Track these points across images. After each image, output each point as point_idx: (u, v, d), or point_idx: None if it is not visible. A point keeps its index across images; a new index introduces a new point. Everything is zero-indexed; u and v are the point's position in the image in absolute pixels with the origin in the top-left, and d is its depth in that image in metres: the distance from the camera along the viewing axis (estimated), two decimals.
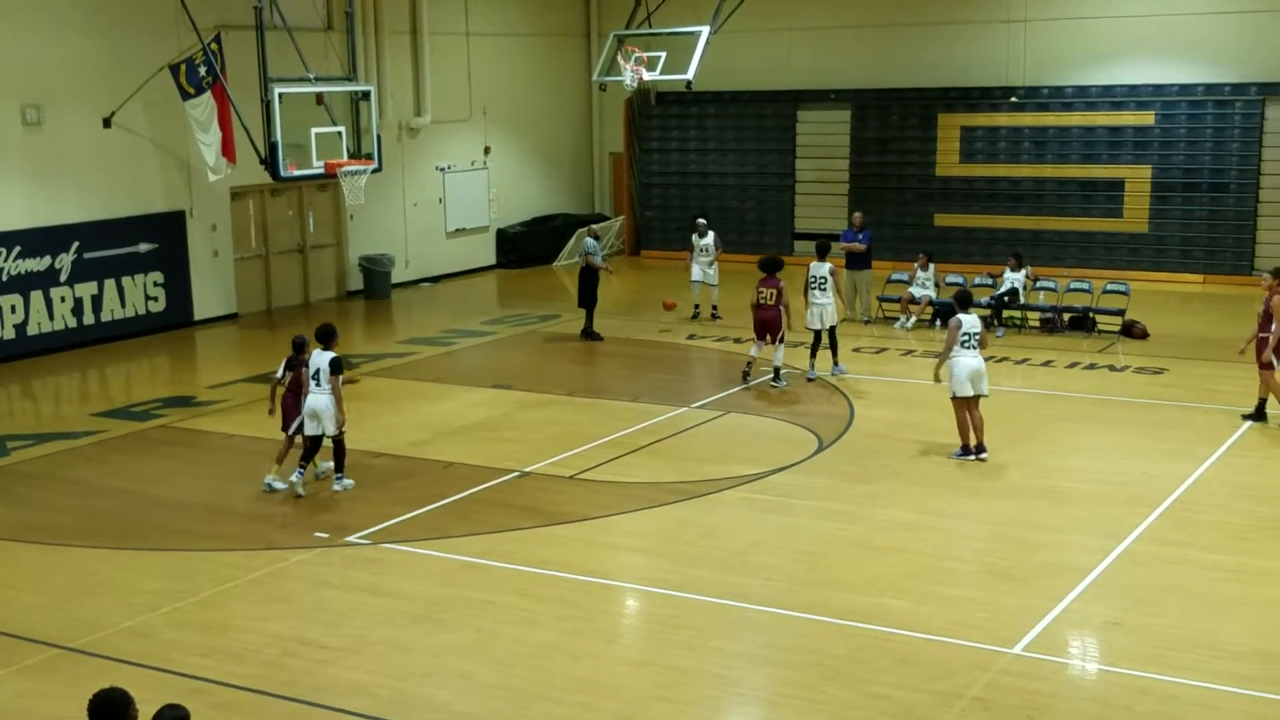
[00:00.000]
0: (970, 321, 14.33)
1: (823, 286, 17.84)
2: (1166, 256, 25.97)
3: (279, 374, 13.88)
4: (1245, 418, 15.58)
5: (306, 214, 25.36)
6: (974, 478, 13.77)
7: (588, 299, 21.10)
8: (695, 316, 22.43)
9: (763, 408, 16.69)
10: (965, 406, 14.32)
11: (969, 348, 14.26)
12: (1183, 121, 25.71)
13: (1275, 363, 15.31)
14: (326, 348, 13.44)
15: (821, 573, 11.29)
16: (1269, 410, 15.52)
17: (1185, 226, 25.85)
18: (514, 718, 8.83)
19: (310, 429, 13.47)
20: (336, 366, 13.37)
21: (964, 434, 14.38)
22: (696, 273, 22.47)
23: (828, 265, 17.98)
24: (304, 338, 13.80)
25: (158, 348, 21.58)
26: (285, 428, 13.86)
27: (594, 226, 22.00)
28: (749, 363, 17.80)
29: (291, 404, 13.76)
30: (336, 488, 13.60)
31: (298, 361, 13.70)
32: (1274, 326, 15.28)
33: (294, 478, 13.46)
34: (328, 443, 13.55)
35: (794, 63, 28.86)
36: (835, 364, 18.17)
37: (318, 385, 13.33)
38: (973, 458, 14.30)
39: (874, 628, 10.07)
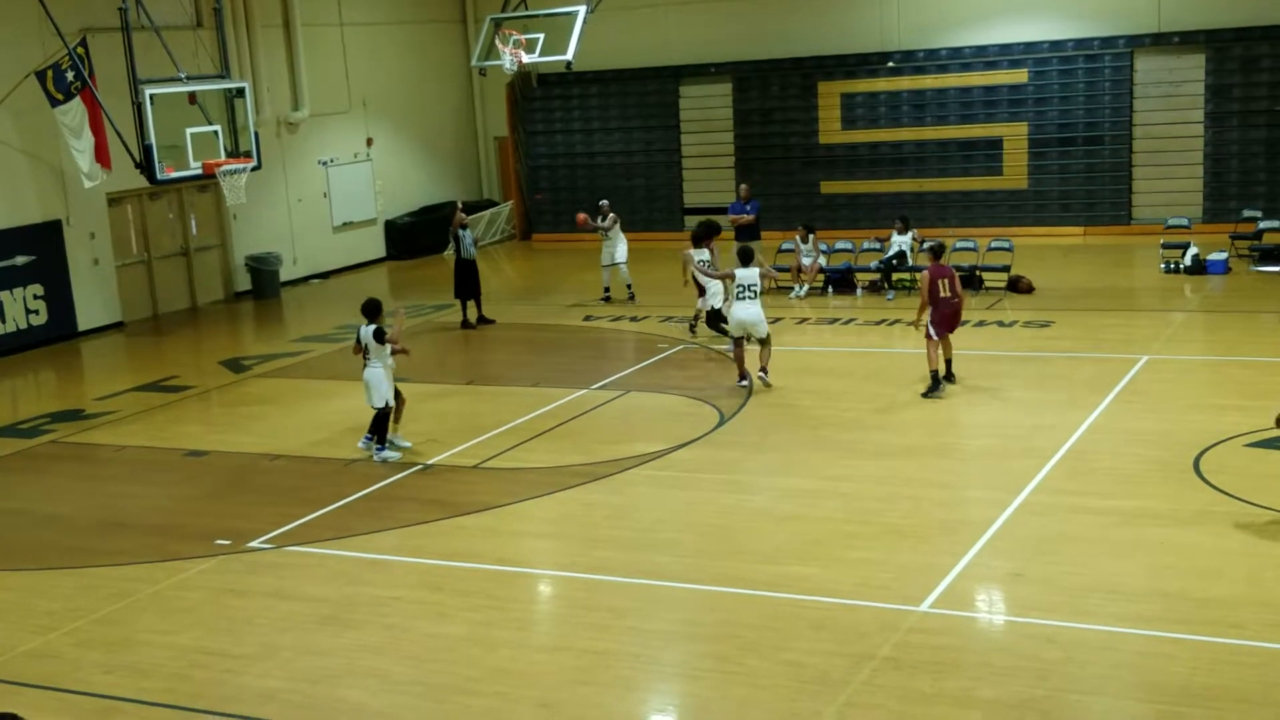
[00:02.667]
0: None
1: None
2: (1047, 211, 26.51)
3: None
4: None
5: (188, 216, 24.87)
6: (871, 440, 13.95)
7: (466, 290, 20.83)
8: (606, 299, 22.33)
9: (663, 385, 16.74)
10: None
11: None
12: (1055, 78, 26.23)
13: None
14: (371, 321, 13.96)
15: (729, 545, 11.37)
16: None
17: (1063, 180, 26.40)
18: (431, 713, 8.77)
19: (368, 399, 14.12)
20: (380, 336, 13.90)
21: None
22: (605, 255, 22.39)
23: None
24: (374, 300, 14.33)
25: (42, 361, 21.05)
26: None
27: (461, 215, 21.28)
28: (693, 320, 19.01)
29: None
30: (376, 459, 14.08)
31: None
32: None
33: (378, 458, 14.13)
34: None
35: (672, 38, 28.90)
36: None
37: (367, 358, 13.98)
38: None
39: (785, 596, 10.17)
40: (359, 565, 11.41)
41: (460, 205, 22.61)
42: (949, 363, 15.69)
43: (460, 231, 20.92)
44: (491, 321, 20.97)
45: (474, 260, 20.88)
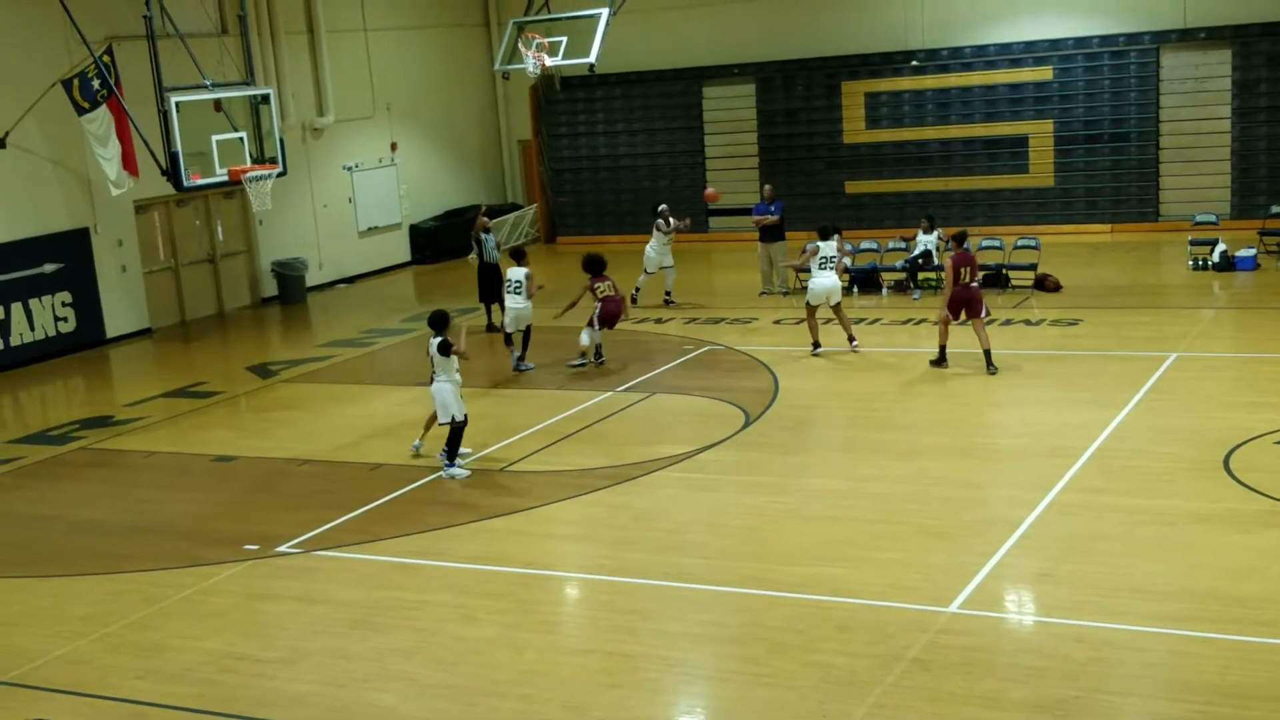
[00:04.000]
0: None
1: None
2: (1074, 209, 26.37)
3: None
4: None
5: (214, 222, 25.00)
6: (899, 440, 13.90)
7: (490, 293, 20.72)
8: (669, 302, 21.95)
9: (688, 386, 16.73)
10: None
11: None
12: (1080, 75, 26.09)
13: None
14: (438, 334, 13.68)
15: (756, 546, 11.35)
16: None
17: (1090, 178, 26.26)
18: (460, 716, 8.79)
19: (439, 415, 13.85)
20: (445, 349, 13.60)
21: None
22: (664, 258, 21.96)
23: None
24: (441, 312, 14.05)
25: (71, 368, 21.19)
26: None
27: (483, 220, 21.38)
28: (597, 350, 18.02)
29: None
30: (445, 475, 13.73)
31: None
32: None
33: (445, 474, 13.77)
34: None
35: (695, 39, 28.88)
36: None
37: (433, 371, 13.70)
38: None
39: (812, 597, 10.14)
40: (387, 569, 11.44)
41: (483, 209, 22.60)
42: (988, 353, 16.24)
43: (483, 235, 20.95)
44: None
45: (497, 264, 20.90)
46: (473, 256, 22.18)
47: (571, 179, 30.81)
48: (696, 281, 23.83)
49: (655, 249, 21.99)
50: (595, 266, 17.93)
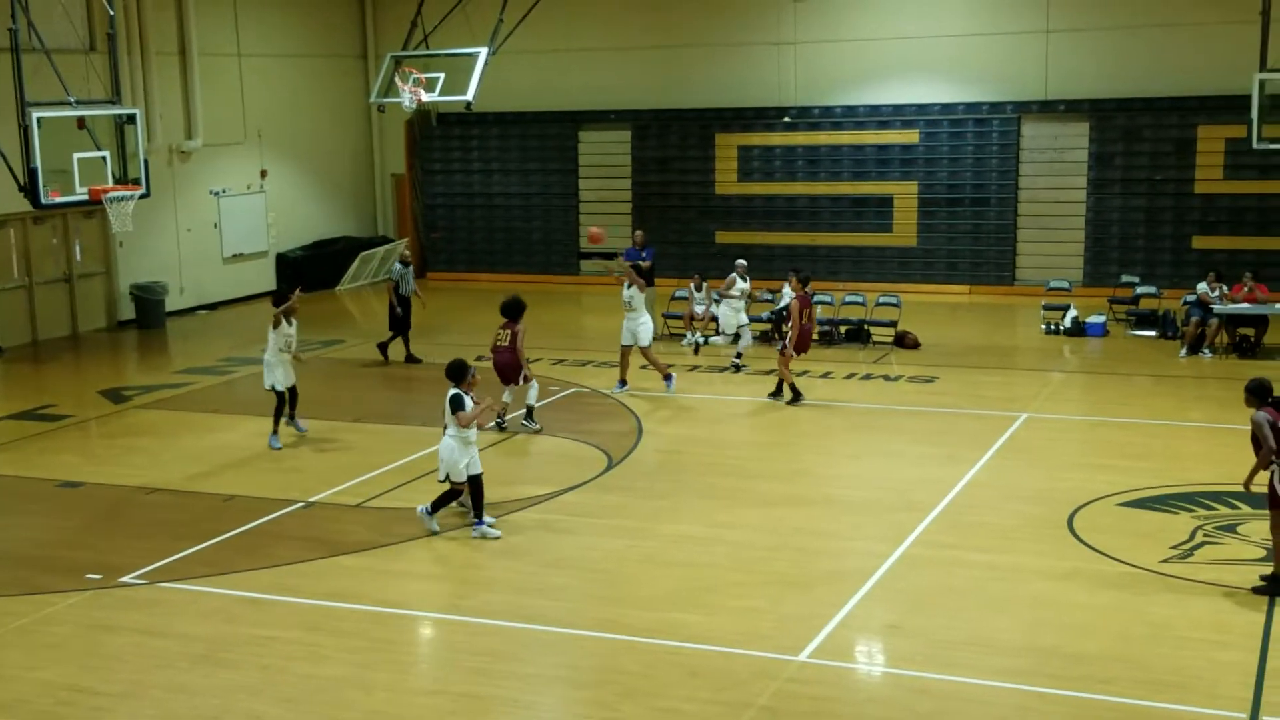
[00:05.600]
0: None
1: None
2: (934, 269, 27.06)
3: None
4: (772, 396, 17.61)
5: (72, 242, 24.33)
6: (759, 489, 14.06)
7: (400, 324, 20.89)
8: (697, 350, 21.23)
9: (552, 428, 16.71)
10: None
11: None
12: (945, 139, 26.85)
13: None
14: (455, 385, 12.63)
15: (613, 590, 11.36)
16: None
17: (951, 240, 26.98)
18: None
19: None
20: (456, 404, 12.49)
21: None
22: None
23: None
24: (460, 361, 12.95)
25: None
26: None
27: (404, 252, 22.12)
28: (500, 412, 16.54)
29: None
30: (475, 535, 12.63)
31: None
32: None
33: (475, 534, 12.70)
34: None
35: (573, 83, 29.07)
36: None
37: (444, 429, 12.67)
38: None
39: (665, 643, 10.18)
40: (236, 603, 11.20)
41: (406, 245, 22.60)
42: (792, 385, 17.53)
43: (402, 268, 21.15)
44: (418, 360, 20.74)
45: (410, 297, 20.92)
46: (341, 288, 21.96)
47: (445, 215, 30.69)
48: (565, 324, 23.87)
49: (733, 307, 20.90)
50: (507, 310, 16.24)
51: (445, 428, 12.66)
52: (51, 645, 10.42)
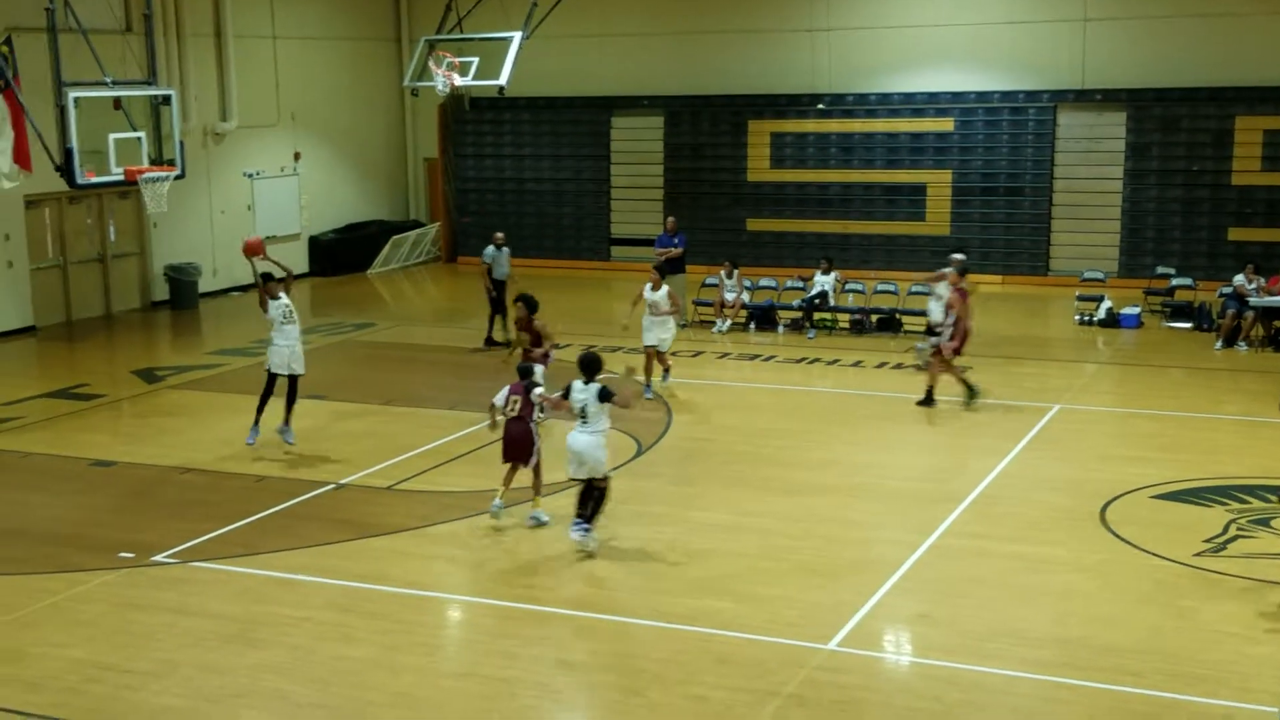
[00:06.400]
0: None
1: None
2: (967, 258, 26.81)
3: (500, 400, 12.54)
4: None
5: (107, 222, 24.48)
6: (788, 477, 14.03)
7: (495, 307, 20.72)
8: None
9: None
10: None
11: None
12: (980, 128, 26.67)
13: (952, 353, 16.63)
14: (590, 379, 11.79)
15: (642, 577, 11.36)
16: None
17: (984, 229, 26.81)
18: None
19: (574, 471, 11.82)
20: (605, 396, 11.71)
21: None
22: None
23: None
24: (529, 365, 13.09)
25: None
26: (507, 458, 12.58)
27: (498, 235, 21.56)
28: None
29: (520, 433, 12.46)
30: (577, 539, 11.71)
31: (522, 388, 12.46)
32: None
33: (576, 536, 11.75)
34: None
35: (607, 69, 29.02)
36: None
37: (584, 423, 11.73)
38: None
39: (694, 629, 10.18)
40: (266, 584, 11.25)
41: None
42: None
43: (496, 251, 20.98)
44: (499, 344, 20.29)
45: (505, 280, 20.73)
46: (372, 271, 21.93)
47: (476, 199, 30.71)
48: (595, 310, 23.85)
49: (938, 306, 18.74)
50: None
51: (583, 424, 11.73)
52: (83, 623, 10.49)
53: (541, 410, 12.77)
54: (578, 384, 11.83)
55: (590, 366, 11.85)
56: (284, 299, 15.11)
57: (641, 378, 17.16)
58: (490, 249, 21.16)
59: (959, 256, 19.18)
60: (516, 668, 9.61)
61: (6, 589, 11.15)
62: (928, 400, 16.78)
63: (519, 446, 12.54)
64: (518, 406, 12.53)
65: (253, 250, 15.11)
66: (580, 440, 11.73)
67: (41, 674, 9.55)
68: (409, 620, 10.54)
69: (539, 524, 12.44)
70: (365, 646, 9.97)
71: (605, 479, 11.84)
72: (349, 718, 8.88)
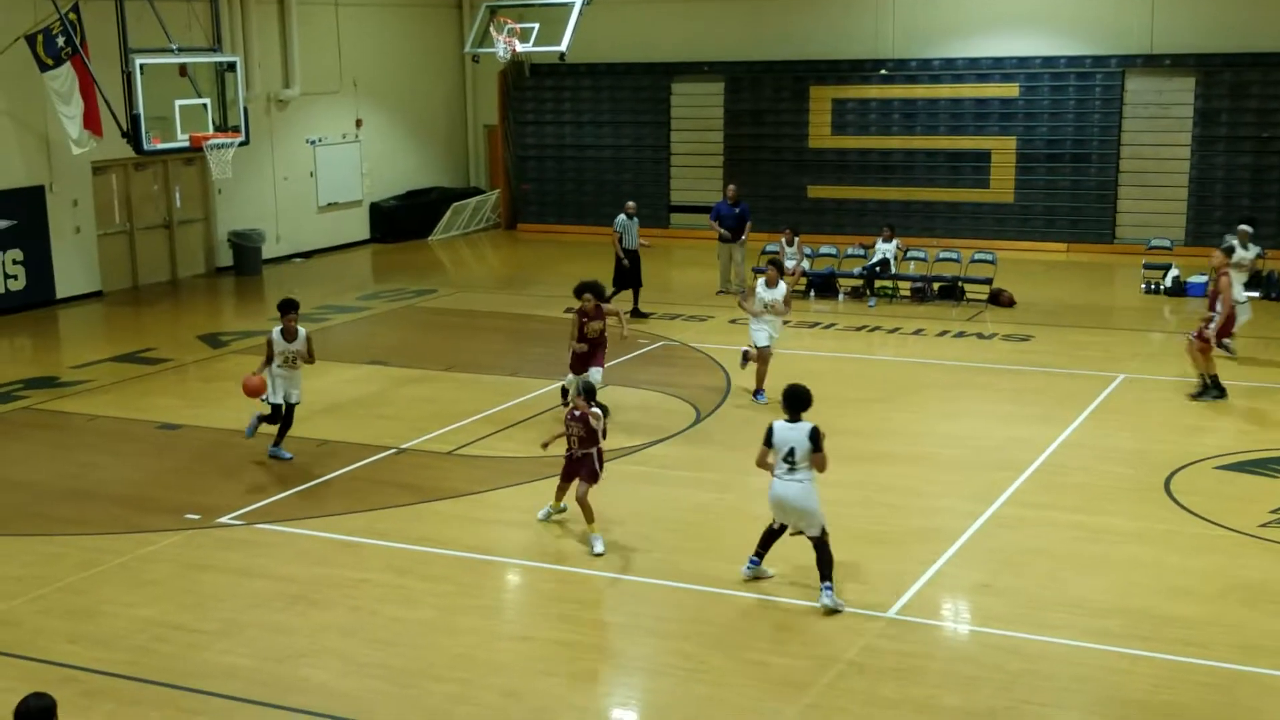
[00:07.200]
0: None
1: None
2: (1032, 226, 26.57)
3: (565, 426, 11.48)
4: (1193, 397, 15.52)
5: (172, 188, 24.73)
6: (849, 446, 13.93)
7: (628, 278, 20.26)
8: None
9: (641, 380, 16.72)
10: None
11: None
12: (1046, 94, 26.30)
13: (1213, 342, 15.50)
14: (796, 417, 10.05)
15: (701, 542, 11.37)
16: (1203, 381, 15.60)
17: (1049, 196, 26.47)
18: (394, 696, 8.76)
19: (781, 518, 10.24)
20: (817, 440, 9.93)
21: None
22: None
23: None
24: (590, 384, 11.49)
25: (18, 327, 20.90)
26: (567, 479, 11.52)
27: (630, 204, 20.76)
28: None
29: (582, 459, 11.24)
30: (828, 601, 9.86)
31: (582, 420, 11.16)
32: (1219, 307, 15.51)
33: (745, 571, 10.49)
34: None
35: (667, 35, 28.88)
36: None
37: (791, 470, 9.94)
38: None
39: (753, 595, 10.18)
40: (329, 546, 11.38)
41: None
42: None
43: (627, 220, 20.51)
44: (645, 316, 20.17)
45: (637, 250, 20.41)
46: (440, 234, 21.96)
47: (536, 167, 30.73)
48: (655, 277, 23.79)
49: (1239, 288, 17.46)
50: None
51: (787, 470, 9.95)
52: (150, 582, 10.67)
53: (603, 436, 11.35)
54: (780, 424, 10.03)
55: (798, 402, 10.13)
56: (297, 346, 13.77)
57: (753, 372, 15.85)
58: (622, 217, 20.60)
59: (1245, 228, 18.89)
60: (576, 631, 9.67)
61: (77, 549, 11.35)
62: (1217, 390, 15.47)
63: (582, 467, 11.31)
64: (577, 441, 11.13)
65: (253, 392, 13.62)
66: (790, 490, 9.95)
67: (111, 632, 9.73)
68: (468, 583, 10.62)
69: (596, 554, 11.02)
70: (425, 609, 10.06)
71: (823, 533, 10.01)
72: (410, 677, 8.97)
